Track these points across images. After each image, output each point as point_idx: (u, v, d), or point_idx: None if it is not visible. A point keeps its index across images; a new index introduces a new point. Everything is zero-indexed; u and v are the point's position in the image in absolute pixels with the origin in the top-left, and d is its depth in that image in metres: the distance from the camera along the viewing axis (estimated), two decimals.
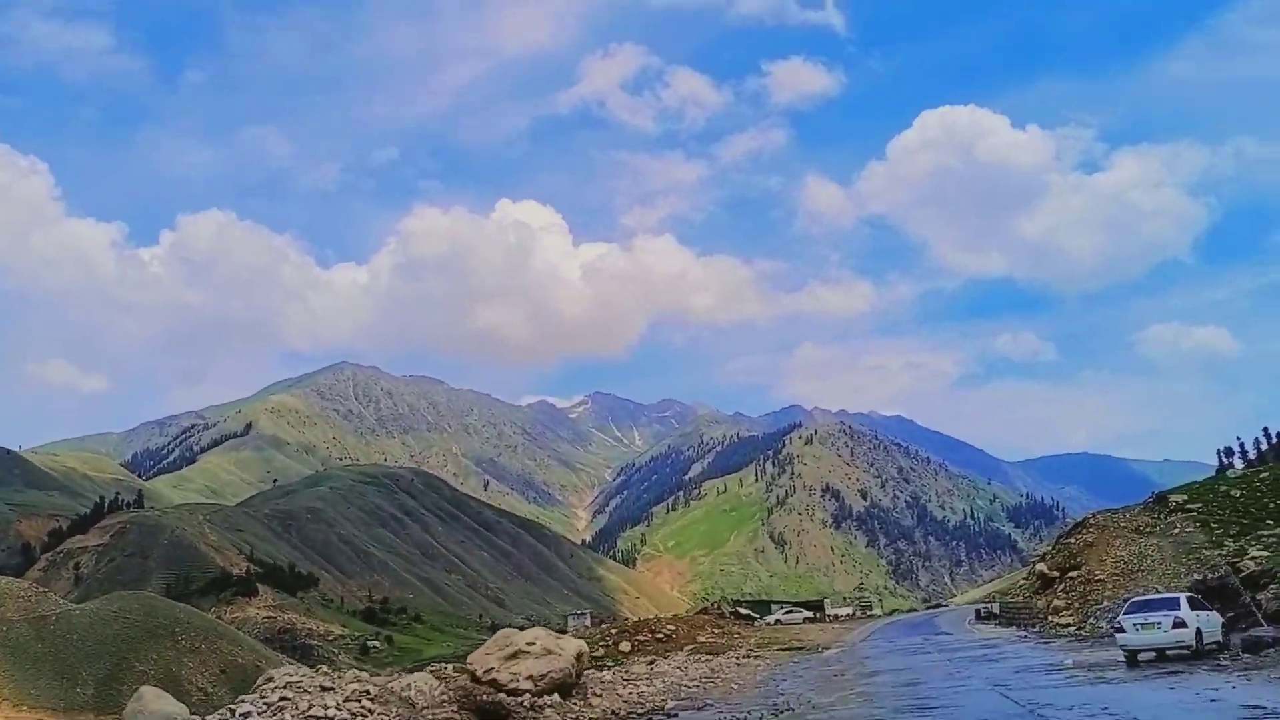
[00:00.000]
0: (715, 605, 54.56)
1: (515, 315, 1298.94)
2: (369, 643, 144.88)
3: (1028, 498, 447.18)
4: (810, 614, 72.33)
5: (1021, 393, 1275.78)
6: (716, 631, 42.35)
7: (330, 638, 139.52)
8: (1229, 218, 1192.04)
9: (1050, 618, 36.05)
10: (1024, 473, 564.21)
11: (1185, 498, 43.93)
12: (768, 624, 60.73)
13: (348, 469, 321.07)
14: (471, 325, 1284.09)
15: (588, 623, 59.62)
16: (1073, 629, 31.31)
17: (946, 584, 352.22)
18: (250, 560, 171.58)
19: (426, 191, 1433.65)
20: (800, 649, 35.42)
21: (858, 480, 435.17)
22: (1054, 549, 50.15)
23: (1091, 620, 31.81)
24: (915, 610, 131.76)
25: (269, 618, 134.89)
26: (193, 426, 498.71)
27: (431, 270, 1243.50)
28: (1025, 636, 31.71)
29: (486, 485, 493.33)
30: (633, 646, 37.95)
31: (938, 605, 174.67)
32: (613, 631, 42.94)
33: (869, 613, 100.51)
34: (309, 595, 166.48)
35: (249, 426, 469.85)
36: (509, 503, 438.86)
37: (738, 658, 30.18)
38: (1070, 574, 40.51)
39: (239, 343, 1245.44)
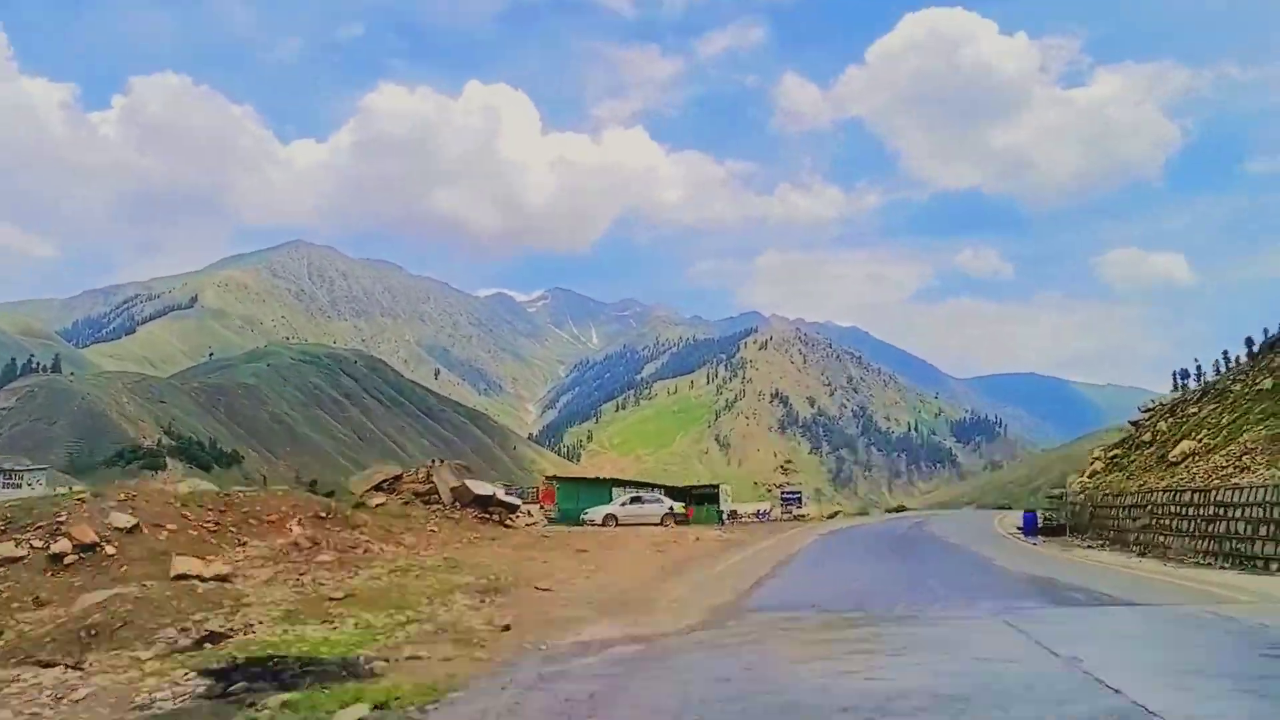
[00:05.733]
0: (422, 470, 30.08)
1: (479, 203, 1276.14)
2: None
3: (972, 414, 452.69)
4: (674, 508, 40.08)
5: (976, 310, 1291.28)
6: (297, 543, 16.53)
7: None
8: (1203, 141, 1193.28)
9: None
10: (970, 390, 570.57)
11: None
12: (585, 521, 36.37)
13: (289, 347, 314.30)
14: (433, 210, 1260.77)
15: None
16: None
17: (884, 494, 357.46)
18: (166, 433, 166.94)
19: (393, 69, 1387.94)
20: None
21: (807, 388, 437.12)
22: None
23: None
24: (866, 515, 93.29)
25: None
26: (136, 296, 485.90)
27: (394, 150, 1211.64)
28: None
29: (437, 374, 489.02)
30: None
31: (900, 509, 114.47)
32: None
33: (795, 512, 64.47)
34: (228, 473, 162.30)
35: (194, 299, 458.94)
36: (459, 392, 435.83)
37: None
38: None
39: (193, 215, 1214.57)
